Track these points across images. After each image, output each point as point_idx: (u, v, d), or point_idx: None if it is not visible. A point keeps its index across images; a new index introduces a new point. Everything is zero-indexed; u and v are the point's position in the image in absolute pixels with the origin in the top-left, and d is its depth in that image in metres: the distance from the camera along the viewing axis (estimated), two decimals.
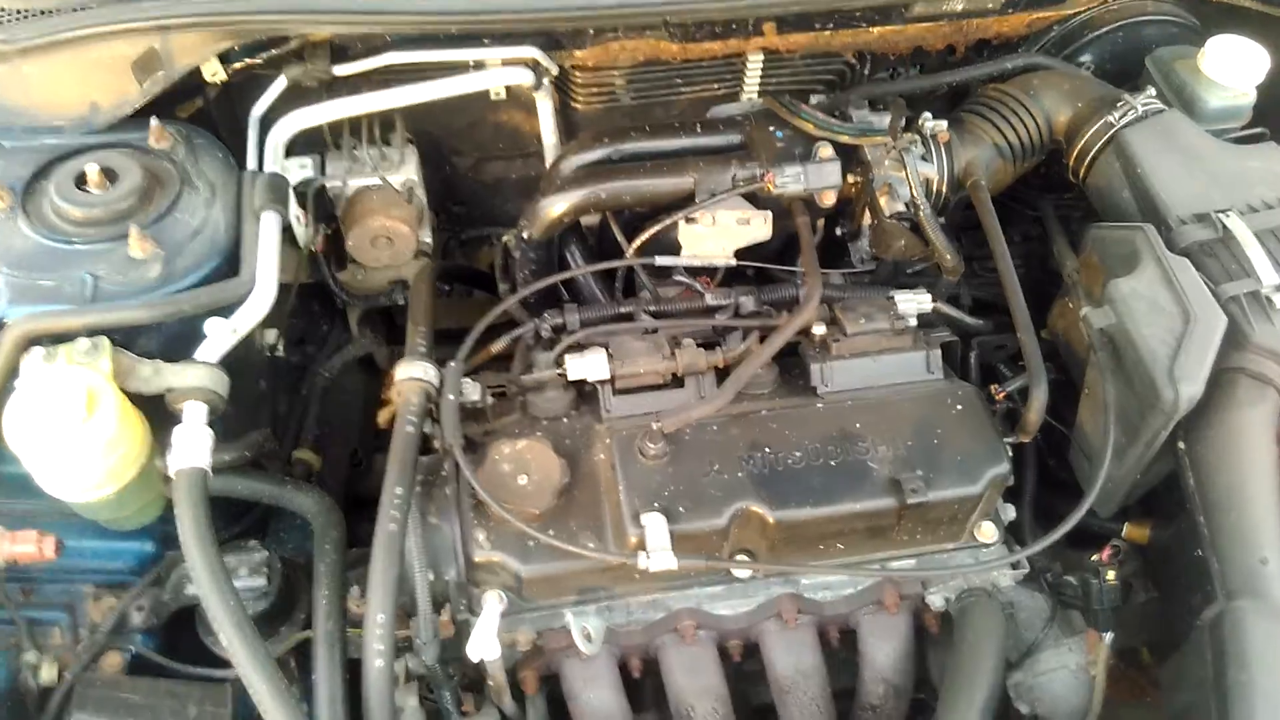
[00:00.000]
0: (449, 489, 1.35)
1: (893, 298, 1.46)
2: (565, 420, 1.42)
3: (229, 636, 1.11)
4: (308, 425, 1.75)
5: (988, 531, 1.38)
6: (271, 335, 1.64)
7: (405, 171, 1.69)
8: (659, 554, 1.21)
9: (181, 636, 1.42)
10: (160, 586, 1.41)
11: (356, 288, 1.81)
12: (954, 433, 1.34)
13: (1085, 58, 1.71)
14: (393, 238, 1.68)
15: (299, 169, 1.66)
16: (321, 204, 1.68)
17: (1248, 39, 1.51)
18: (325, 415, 1.81)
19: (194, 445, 1.24)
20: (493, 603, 1.26)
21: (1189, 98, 1.51)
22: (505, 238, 1.72)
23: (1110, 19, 1.68)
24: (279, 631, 1.41)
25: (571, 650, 1.39)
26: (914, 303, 1.45)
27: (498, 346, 1.51)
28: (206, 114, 1.63)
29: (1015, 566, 1.40)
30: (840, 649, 1.47)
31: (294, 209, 1.64)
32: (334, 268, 1.76)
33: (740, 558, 1.33)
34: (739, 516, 1.28)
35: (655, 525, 1.24)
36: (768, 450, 1.32)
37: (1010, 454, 1.34)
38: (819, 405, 1.38)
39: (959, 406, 1.37)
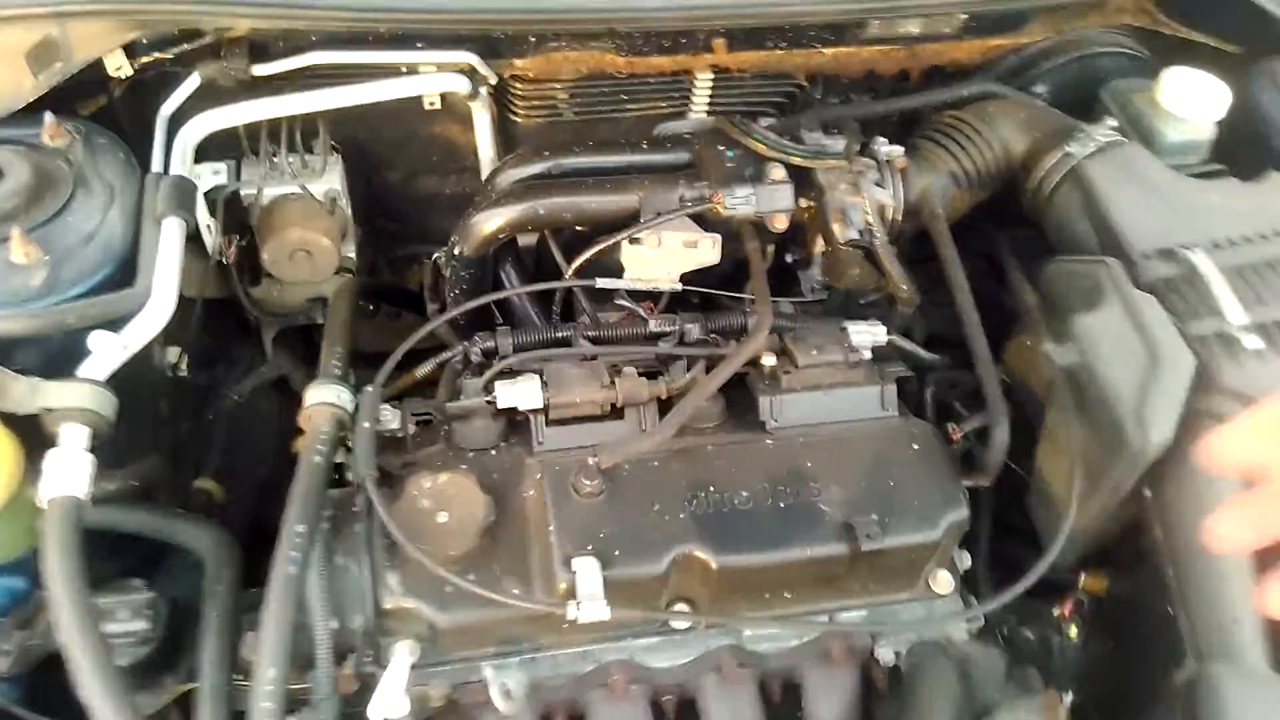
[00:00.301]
0: (359, 526, 1.23)
1: (846, 329, 1.38)
2: (493, 453, 1.31)
3: (88, 689, 0.97)
4: (212, 452, 1.61)
5: (943, 581, 1.30)
6: (173, 354, 1.51)
7: (328, 180, 1.57)
8: (590, 603, 1.10)
9: (51, 686, 1.26)
10: (29, 629, 1.25)
11: (272, 304, 1.68)
12: (911, 474, 1.25)
13: (1039, 88, 1.66)
14: (313, 251, 1.56)
15: (211, 175, 1.53)
16: (235, 213, 1.55)
17: (1203, 72, 1.47)
18: (233, 442, 1.67)
19: (69, 472, 1.10)
20: (402, 656, 1.13)
21: (1146, 130, 1.47)
22: (435, 255, 1.61)
23: (1067, 49, 1.64)
24: (162, 682, 1.26)
25: (489, 707, 1.27)
26: (868, 334, 1.37)
27: (422, 371, 1.39)
28: (111, 113, 1.49)
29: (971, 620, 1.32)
30: (783, 704, 1.37)
31: (204, 217, 1.51)
32: (247, 282, 1.63)
33: (680, 607, 1.22)
34: (680, 562, 1.18)
35: (587, 571, 1.13)
36: (712, 489, 1.22)
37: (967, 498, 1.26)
38: (768, 442, 1.29)
39: (915, 446, 1.29)
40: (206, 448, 1.61)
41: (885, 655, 1.36)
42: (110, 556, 1.36)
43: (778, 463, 1.26)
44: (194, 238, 1.53)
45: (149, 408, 1.41)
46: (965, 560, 1.35)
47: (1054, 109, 1.59)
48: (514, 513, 1.24)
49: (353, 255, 1.66)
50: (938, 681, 1.27)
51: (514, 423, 1.34)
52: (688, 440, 1.28)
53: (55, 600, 1.01)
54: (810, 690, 1.34)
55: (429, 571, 1.15)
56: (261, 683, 1.02)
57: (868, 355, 1.36)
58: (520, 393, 1.27)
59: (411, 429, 1.33)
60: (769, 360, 1.34)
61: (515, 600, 1.13)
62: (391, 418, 1.27)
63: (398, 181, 1.80)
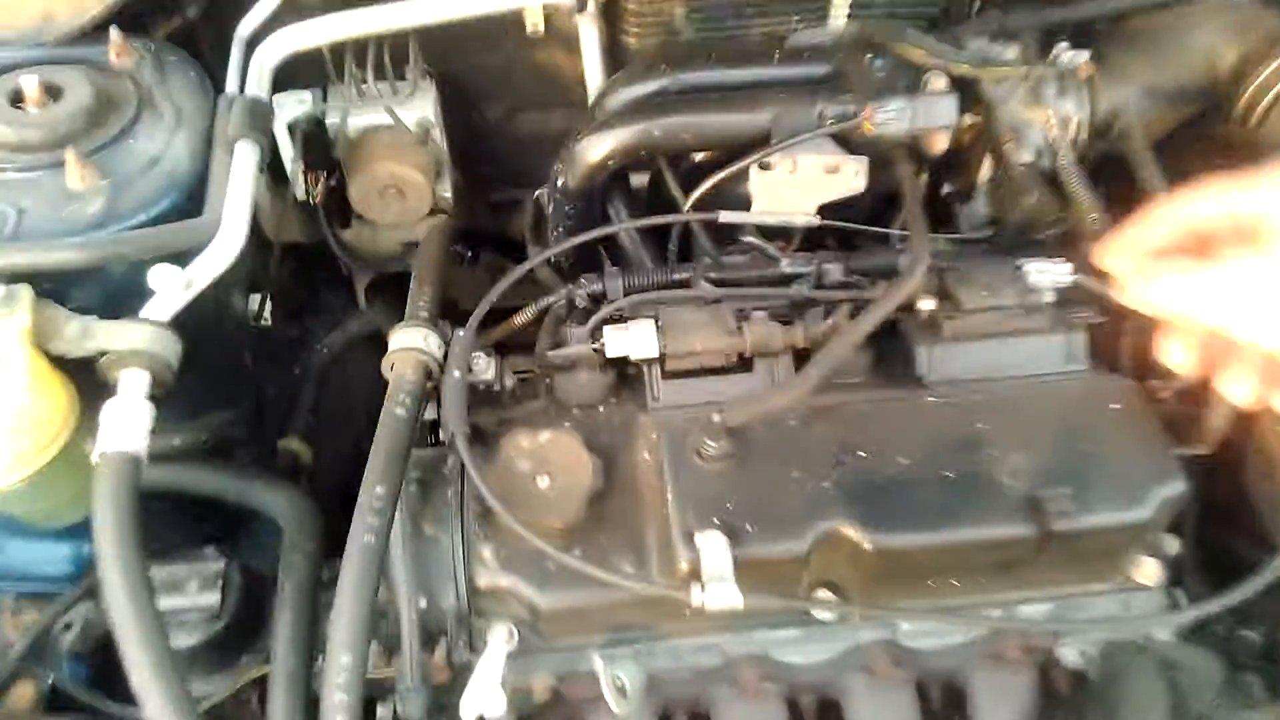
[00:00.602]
0: (450, 491, 1.07)
1: (1022, 267, 1.14)
2: (601, 409, 1.13)
3: (137, 674, 0.83)
4: (300, 411, 1.48)
5: (1148, 571, 1.06)
6: (255, 301, 1.38)
7: (420, 108, 1.41)
8: (718, 588, 0.91)
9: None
10: (95, 600, 1.14)
11: (363, 250, 1.54)
12: (1111, 440, 1.02)
13: None
14: (404, 189, 1.41)
15: (296, 103, 1.39)
16: (320, 147, 1.41)
17: None
18: (323, 401, 1.54)
19: (126, 424, 0.96)
20: (497, 644, 0.97)
21: None
22: (538, 192, 1.44)
23: None
24: (239, 661, 1.14)
25: (600, 704, 1.10)
26: (1050, 273, 1.13)
27: (521, 317, 1.22)
28: (189, 34, 1.37)
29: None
30: (943, 710, 1.15)
31: (287, 150, 1.38)
32: (336, 225, 1.49)
33: (822, 593, 1.02)
34: (825, 540, 0.97)
35: (714, 548, 0.94)
36: (863, 454, 1.02)
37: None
38: (929, 399, 1.07)
39: (1114, 405, 1.05)
40: (293, 406, 1.48)
41: (1069, 656, 1.13)
42: (187, 521, 1.25)
43: (943, 424, 1.04)
44: (277, 174, 1.41)
45: (227, 359, 1.29)
46: (1173, 545, 1.10)
47: (1274, 7, 1.31)
48: (625, 479, 1.06)
49: (448, 195, 1.50)
50: (1142, 692, 1.04)
51: (624, 376, 1.16)
52: (831, 396, 1.07)
53: (103, 569, 0.88)
54: (978, 696, 1.12)
55: (528, 545, 0.98)
56: (334, 671, 0.87)
57: (1050, 298, 1.12)
58: (632, 340, 1.09)
59: (509, 382, 1.17)
60: (927, 304, 1.12)
61: (628, 582, 0.95)
62: (486, 367, 1.11)
63: (498, 118, 1.63)
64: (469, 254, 1.59)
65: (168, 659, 0.84)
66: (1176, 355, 0.77)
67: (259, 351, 1.44)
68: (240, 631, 1.11)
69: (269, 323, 1.39)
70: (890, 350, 1.14)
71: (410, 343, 1.06)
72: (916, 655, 1.11)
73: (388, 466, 0.96)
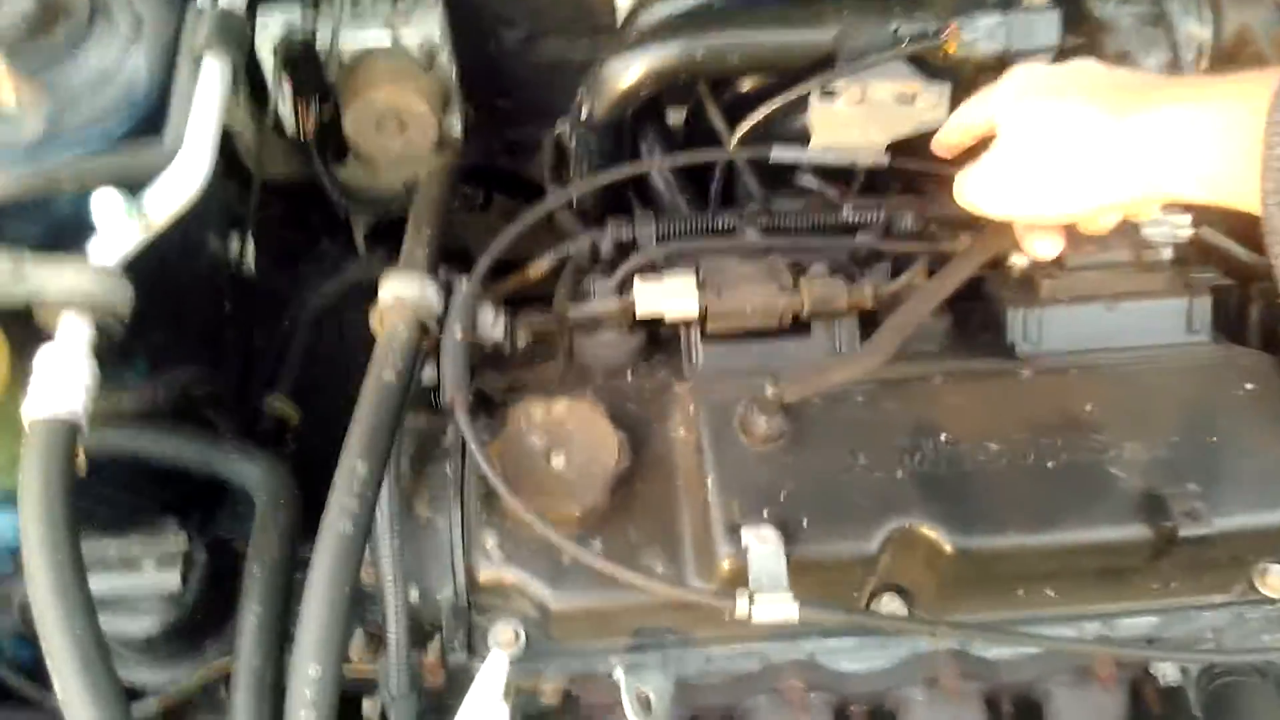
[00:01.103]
0: (448, 467, 0.91)
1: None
2: (629, 375, 0.96)
3: (59, 667, 0.68)
4: (288, 367, 1.32)
5: (1276, 581, 0.88)
6: (235, 243, 1.21)
7: (425, 27, 1.23)
8: (770, 597, 0.75)
9: None
10: None
11: (361, 190, 1.37)
12: (1245, 427, 0.85)
13: None
14: (406, 119, 1.23)
15: (280, 19, 1.21)
16: (311, 71, 1.24)
17: None
18: (315, 357, 1.38)
19: (61, 383, 0.81)
20: (500, 656, 0.81)
21: None
22: (558, 127, 1.26)
23: None
24: (203, 649, 0.99)
25: (618, 711, 0.94)
26: (1167, 226, 0.95)
27: (537, 267, 1.05)
28: None
29: None
30: None
31: (271, 73, 1.21)
32: (330, 161, 1.32)
33: (887, 600, 0.86)
34: (897, 540, 0.81)
35: (764, 546, 0.78)
36: (944, 439, 0.85)
37: None
38: (1024, 374, 0.90)
39: (1249, 385, 0.87)
40: (281, 361, 1.32)
41: (1168, 673, 0.97)
42: (147, 488, 1.09)
43: (1041, 404, 0.87)
44: (259, 99, 1.24)
45: (199, 307, 1.13)
46: None
47: None
48: (656, 458, 0.89)
49: (457, 130, 1.33)
50: None
51: (656, 338, 1.00)
52: (904, 368, 0.90)
53: (26, 551, 0.72)
54: (1057, 715, 0.96)
55: (540, 534, 0.82)
56: (300, 685, 0.72)
57: (1167, 255, 0.94)
58: (668, 294, 0.92)
59: (520, 341, 1.00)
60: (1021, 259, 0.95)
61: (658, 584, 0.78)
62: (494, 324, 0.94)
63: (515, 44, 1.45)
64: (480, 197, 1.41)
65: (93, 648, 0.69)
66: None
67: (242, 300, 1.28)
68: (205, 616, 0.97)
69: (251, 268, 1.23)
70: (973, 315, 0.97)
71: (404, 293, 0.89)
72: (988, 666, 0.95)
73: (371, 442, 0.80)
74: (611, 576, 0.81)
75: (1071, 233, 0.86)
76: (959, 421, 0.85)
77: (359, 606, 1.05)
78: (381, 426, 0.81)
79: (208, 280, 1.13)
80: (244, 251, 1.21)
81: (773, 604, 0.74)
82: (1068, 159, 0.72)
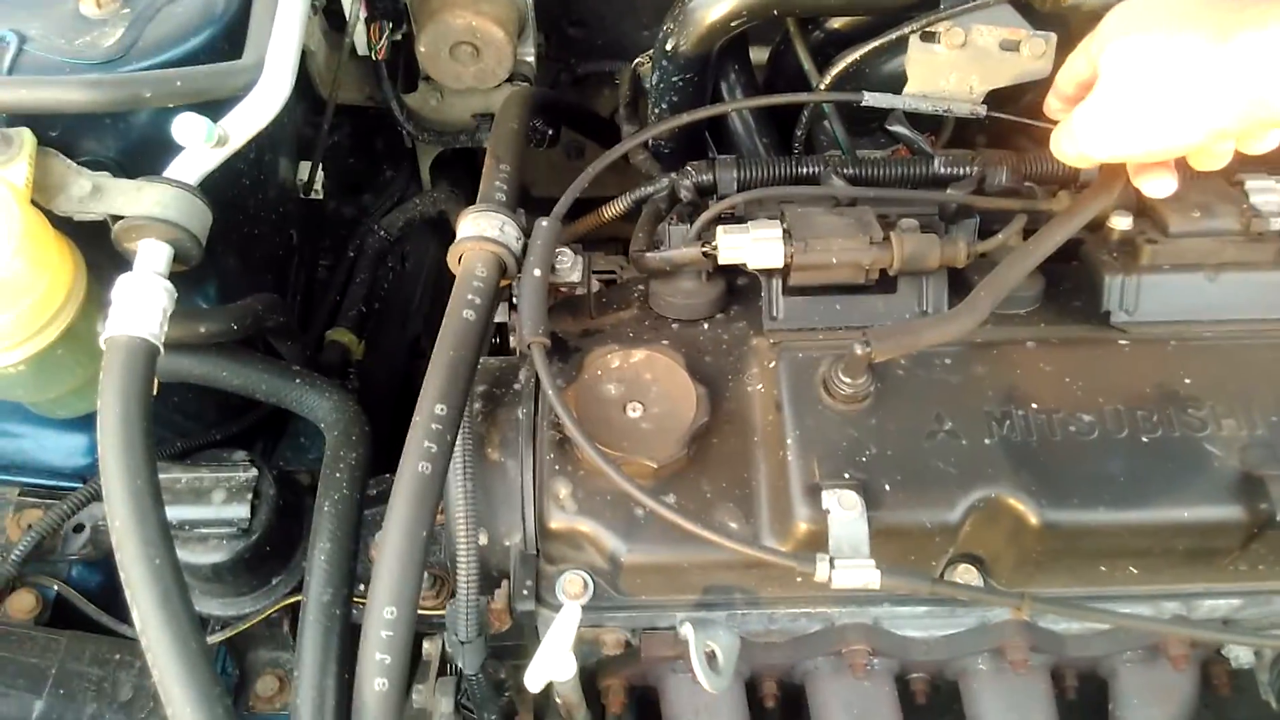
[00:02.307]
0: (521, 412, 0.89)
1: (1243, 182, 0.91)
2: (705, 326, 0.94)
3: (135, 594, 0.69)
4: (352, 298, 1.32)
5: None
6: (304, 169, 1.20)
7: None
8: (851, 563, 0.73)
9: None
10: None
11: (430, 118, 1.34)
12: None
13: None
14: (479, 45, 1.20)
15: None
16: None
17: None
18: (379, 288, 1.38)
19: (140, 305, 0.80)
20: (570, 611, 0.80)
21: None
22: (638, 60, 1.23)
23: None
24: (270, 581, 1.00)
25: (679, 666, 0.94)
26: (1278, 196, 0.90)
27: (613, 209, 1.02)
28: None
29: None
30: (1079, 705, 0.98)
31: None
32: (401, 87, 1.30)
33: (965, 571, 0.84)
34: (982, 510, 0.79)
35: (846, 510, 0.76)
36: (1035, 407, 0.82)
37: None
38: (1121, 344, 0.86)
39: None
40: (345, 293, 1.32)
41: (1240, 655, 0.95)
42: (215, 418, 1.10)
43: (1137, 376, 0.83)
44: (334, 21, 1.21)
45: (269, 234, 1.12)
46: None
47: None
48: (732, 413, 0.87)
49: (531, 59, 1.29)
50: None
51: (734, 289, 0.97)
52: (994, 332, 0.87)
53: (105, 471, 0.72)
54: (1126, 694, 0.95)
55: (613, 485, 0.81)
56: (375, 625, 0.71)
57: (1277, 226, 0.89)
58: (752, 243, 0.88)
59: (596, 285, 0.98)
60: (1121, 222, 0.90)
61: (737, 544, 0.77)
62: (572, 266, 0.92)
63: None
64: (548, 131, 1.38)
65: (171, 578, 0.70)
66: None
67: (307, 229, 1.27)
68: (272, 549, 0.97)
69: (320, 195, 1.21)
70: (1066, 278, 0.93)
71: (484, 231, 0.87)
72: (1055, 639, 0.93)
73: (451, 381, 0.78)
74: (685, 532, 0.79)
75: (1182, 182, 0.82)
76: (1051, 390, 0.82)
77: None
78: (461, 367, 0.79)
79: (278, 206, 1.12)
80: (313, 177, 1.20)
81: (854, 570, 0.73)
82: (1175, 88, 0.70)
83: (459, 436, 0.82)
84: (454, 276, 0.87)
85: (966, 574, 0.84)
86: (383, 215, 1.38)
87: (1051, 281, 0.93)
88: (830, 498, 0.76)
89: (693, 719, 0.95)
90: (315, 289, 1.32)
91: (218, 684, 0.69)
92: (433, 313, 1.41)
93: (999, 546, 0.82)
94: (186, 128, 0.83)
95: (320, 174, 1.22)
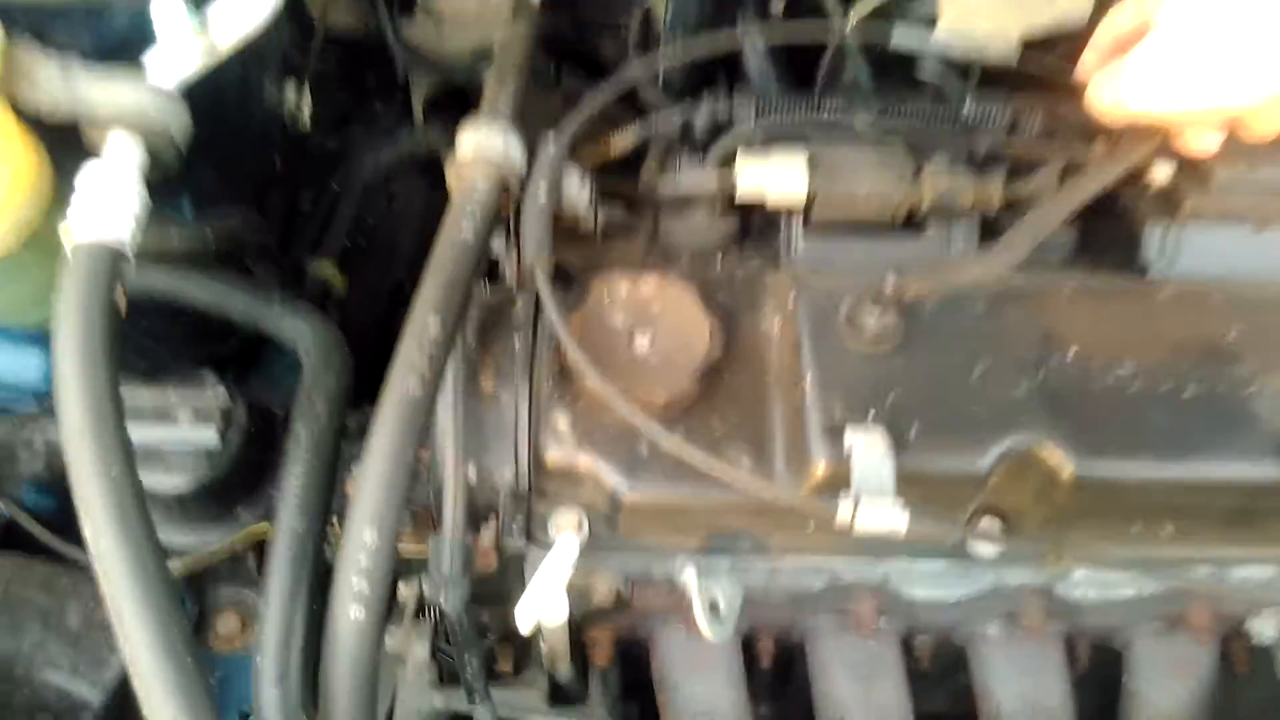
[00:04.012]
0: (517, 340, 0.83)
1: None
2: (720, 259, 0.88)
3: (90, 520, 0.62)
4: (336, 232, 1.25)
5: None
6: (291, 91, 1.12)
7: None
8: (875, 504, 0.68)
9: None
10: None
11: (426, 48, 1.27)
12: None
13: None
14: None
15: None
16: None
17: None
18: (365, 224, 1.31)
19: (108, 206, 0.73)
20: (567, 542, 0.74)
21: None
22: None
23: None
24: (234, 514, 0.93)
25: (672, 618, 0.89)
26: None
27: (623, 139, 0.96)
28: None
29: None
30: (1091, 676, 0.94)
31: None
32: (397, 13, 1.23)
33: (988, 524, 0.79)
34: (1013, 459, 0.74)
35: (871, 450, 0.70)
36: (1073, 355, 0.77)
37: None
38: (1163, 293, 0.81)
39: None
40: (328, 226, 1.25)
41: (1262, 630, 0.91)
42: (184, 340, 1.02)
43: (1180, 328, 0.79)
44: None
45: (250, 152, 1.05)
46: None
47: None
48: (745, 350, 0.82)
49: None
50: None
51: (748, 227, 0.91)
52: (1028, 279, 0.82)
53: (60, 384, 0.65)
54: (1143, 667, 0.91)
55: (615, 418, 0.75)
56: (354, 550, 0.65)
57: None
58: (775, 173, 0.83)
59: (600, 213, 0.92)
60: (1162, 172, 0.85)
61: (752, 482, 0.71)
62: (580, 190, 0.86)
63: None
64: (550, 71, 1.31)
65: (129, 491, 0.63)
66: None
67: (292, 157, 1.20)
68: (240, 478, 0.90)
69: (306, 122, 1.14)
70: (1101, 232, 0.88)
71: (486, 145, 0.81)
72: (1071, 607, 0.89)
73: (445, 299, 0.72)
74: (690, 471, 0.74)
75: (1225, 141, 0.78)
76: (1089, 338, 0.77)
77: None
78: (456, 284, 0.73)
79: (261, 128, 1.04)
80: (300, 103, 1.12)
81: (879, 512, 0.67)
82: (1240, 45, 0.67)
83: (451, 364, 0.76)
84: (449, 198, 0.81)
85: (990, 529, 0.79)
86: (372, 150, 1.31)
87: (1084, 234, 0.88)
88: (854, 437, 0.71)
89: (685, 674, 0.89)
90: (297, 222, 1.25)
91: (178, 610, 0.62)
92: (418, 260, 1.33)
93: (1026, 501, 0.77)
94: (166, 14, 0.76)
95: (308, 99, 1.15)
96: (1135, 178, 0.86)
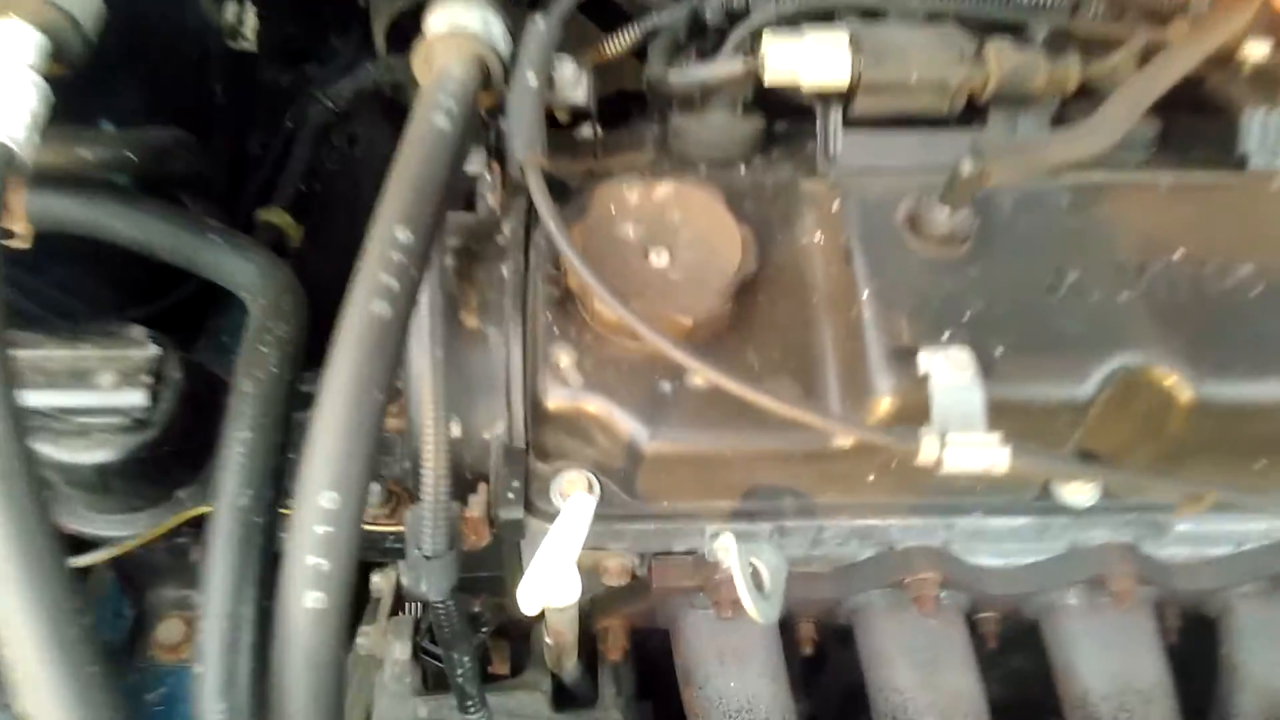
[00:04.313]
0: (506, 268, 0.69)
1: None
2: (743, 171, 0.74)
3: None
4: (288, 176, 1.10)
5: None
6: (232, 8, 0.97)
7: None
8: (968, 439, 0.54)
9: None
10: None
11: None
12: None
13: None
14: None
15: None
16: None
17: None
18: (322, 170, 1.16)
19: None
20: (580, 502, 0.60)
21: None
22: None
23: None
24: (172, 495, 0.78)
25: (700, 596, 0.75)
26: None
27: (617, 42, 0.82)
28: None
29: None
30: (1183, 648, 0.81)
31: None
32: None
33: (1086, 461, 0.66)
34: (1120, 381, 0.60)
35: (954, 373, 0.57)
36: (1181, 257, 0.63)
37: None
38: (1276, 185, 0.68)
39: None
40: (280, 167, 1.10)
41: None
42: (113, 290, 0.87)
43: None
44: None
45: (186, 79, 0.90)
46: None
47: None
48: (781, 270, 0.68)
49: None
50: None
51: (772, 134, 0.77)
52: (1115, 176, 0.68)
53: None
54: (1241, 633, 0.78)
55: (632, 352, 0.61)
56: (308, 519, 0.51)
57: None
58: (812, 53, 0.69)
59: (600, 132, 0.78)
60: (1257, 51, 0.73)
61: (811, 415, 0.57)
62: (575, 81, 0.72)
63: None
64: None
65: (16, 477, 0.48)
66: None
67: (236, 86, 1.05)
68: (178, 452, 0.75)
69: (249, 41, 0.99)
70: (1187, 120, 0.75)
71: (461, 21, 0.66)
72: (1160, 569, 0.75)
73: (416, 204, 0.58)
74: (725, 411, 0.60)
75: None
76: (1198, 238, 0.64)
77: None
78: (431, 185, 0.59)
79: (195, 41, 0.89)
80: (242, 19, 0.97)
81: (972, 448, 0.54)
82: None
83: (425, 295, 0.62)
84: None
85: (1090, 469, 0.66)
86: (328, 84, 1.16)
87: (1166, 126, 0.75)
88: (931, 359, 0.57)
89: (716, 665, 0.75)
90: (246, 165, 1.10)
91: (74, 607, 0.47)
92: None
93: (1129, 435, 0.63)
94: None
95: (252, 18, 1.00)
96: (1225, 59, 0.74)
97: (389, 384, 0.54)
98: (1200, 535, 0.73)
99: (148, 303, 0.92)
